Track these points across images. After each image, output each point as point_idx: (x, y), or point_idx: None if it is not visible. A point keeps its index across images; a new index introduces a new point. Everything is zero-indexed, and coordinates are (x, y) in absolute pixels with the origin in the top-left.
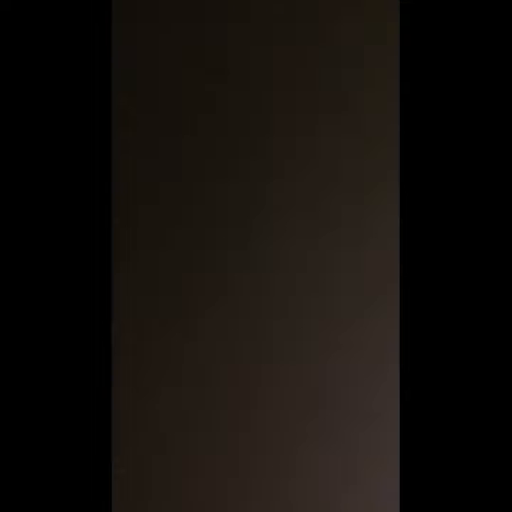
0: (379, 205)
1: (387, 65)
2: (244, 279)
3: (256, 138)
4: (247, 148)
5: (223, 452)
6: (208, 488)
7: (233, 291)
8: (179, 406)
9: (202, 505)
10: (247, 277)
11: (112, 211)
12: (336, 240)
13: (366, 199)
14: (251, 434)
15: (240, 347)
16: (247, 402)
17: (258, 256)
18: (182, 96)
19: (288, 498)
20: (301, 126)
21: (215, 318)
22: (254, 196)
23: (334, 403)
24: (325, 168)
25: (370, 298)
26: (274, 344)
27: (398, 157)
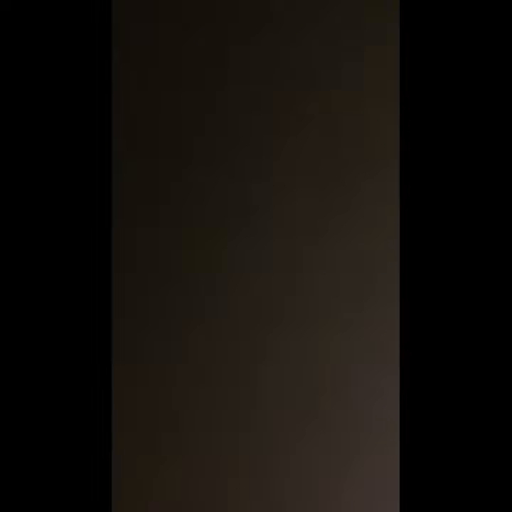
0: (379, 204)
1: (387, 65)
2: (244, 279)
3: (256, 137)
4: (247, 147)
5: (222, 452)
6: (208, 488)
7: (233, 291)
8: (179, 406)
9: (201, 505)
10: (247, 277)
11: (111, 211)
12: (336, 240)
13: (366, 199)
14: (250, 434)
15: (239, 347)
16: (246, 402)
17: (257, 255)
18: (181, 96)
19: (288, 498)
20: (301, 126)
21: (214, 318)
22: (254, 196)
23: (334, 403)
24: (325, 168)
25: (370, 298)
26: (273, 344)
27: (398, 156)
